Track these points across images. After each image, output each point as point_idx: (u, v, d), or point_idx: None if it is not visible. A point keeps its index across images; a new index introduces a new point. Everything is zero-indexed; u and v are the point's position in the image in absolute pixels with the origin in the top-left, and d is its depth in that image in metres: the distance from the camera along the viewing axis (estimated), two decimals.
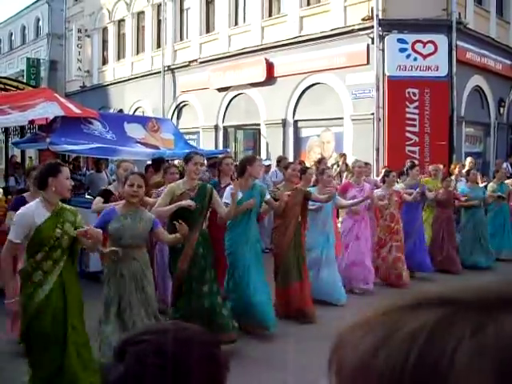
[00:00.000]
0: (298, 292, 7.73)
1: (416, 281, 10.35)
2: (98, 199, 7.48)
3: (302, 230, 8.14)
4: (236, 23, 22.66)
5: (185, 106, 25.39)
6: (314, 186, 8.97)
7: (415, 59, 17.03)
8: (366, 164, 10.97)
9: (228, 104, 22.73)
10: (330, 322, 7.63)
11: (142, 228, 5.46)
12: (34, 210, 4.71)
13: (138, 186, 5.43)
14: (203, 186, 6.52)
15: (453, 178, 13.34)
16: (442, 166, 12.82)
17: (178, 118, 25.46)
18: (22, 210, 4.79)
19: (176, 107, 25.59)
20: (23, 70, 36.20)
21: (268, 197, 7.35)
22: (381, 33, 17.05)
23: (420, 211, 11.07)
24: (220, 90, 22.72)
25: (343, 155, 16.03)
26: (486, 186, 13.18)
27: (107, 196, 7.42)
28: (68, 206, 5.07)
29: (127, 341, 1.18)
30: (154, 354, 1.12)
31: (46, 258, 4.70)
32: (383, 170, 12.17)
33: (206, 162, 13.21)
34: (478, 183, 12.92)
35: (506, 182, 13.26)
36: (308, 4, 19.73)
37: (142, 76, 27.58)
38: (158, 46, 26.75)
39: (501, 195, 12.38)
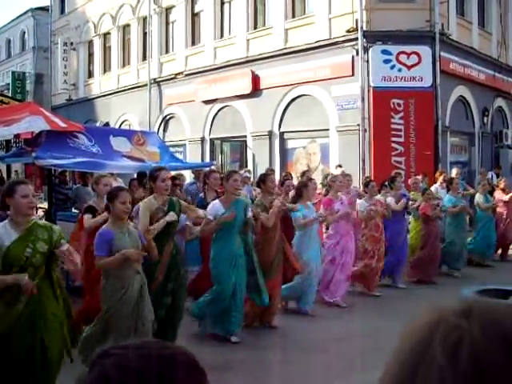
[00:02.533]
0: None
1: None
2: (88, 216, 7.38)
3: (286, 246, 8.14)
4: (221, 36, 22.75)
5: (171, 118, 25.40)
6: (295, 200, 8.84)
7: (400, 70, 17.18)
8: (346, 175, 10.95)
9: (214, 116, 22.78)
10: (311, 334, 7.67)
11: (136, 241, 5.55)
12: (2, 232, 4.62)
13: (129, 203, 5.55)
14: (171, 200, 6.54)
15: (437, 185, 13.45)
16: (420, 178, 12.97)
17: (165, 130, 25.48)
18: None
19: (162, 120, 25.60)
20: (9, 84, 36.11)
21: (249, 214, 7.26)
22: (365, 44, 17.19)
23: (405, 224, 11.09)
24: (206, 102, 22.77)
25: (340, 166, 16.06)
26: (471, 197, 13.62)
27: (93, 212, 7.36)
28: (42, 222, 4.98)
29: (101, 354, 1.17)
30: (116, 368, 1.09)
31: None
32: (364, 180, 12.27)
33: (192, 174, 13.27)
34: (461, 192, 13.14)
35: (496, 195, 13.63)
36: (293, 16, 19.86)
37: (128, 89, 27.58)
38: (144, 58, 26.79)
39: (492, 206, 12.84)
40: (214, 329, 7.29)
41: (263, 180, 8.19)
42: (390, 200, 10.52)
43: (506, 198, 13.55)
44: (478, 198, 13.13)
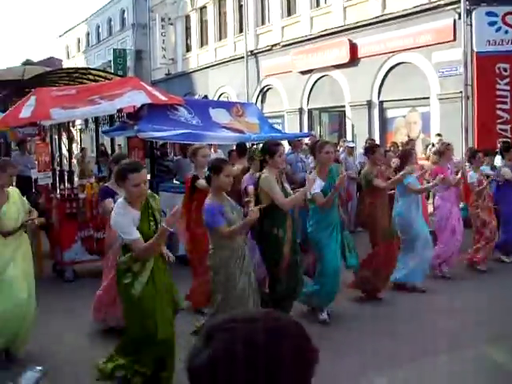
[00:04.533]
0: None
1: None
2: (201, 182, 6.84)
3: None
4: (318, 5, 22.45)
5: (269, 89, 25.44)
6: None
7: (506, 32, 16.35)
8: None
9: (312, 87, 22.62)
10: (415, 306, 7.51)
11: (239, 213, 5.46)
12: (127, 212, 4.64)
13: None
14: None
15: None
16: None
17: (263, 102, 25.58)
18: (118, 214, 4.65)
19: (260, 91, 25.69)
20: (111, 61, 37.24)
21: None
22: (468, 7, 16.46)
23: None
24: (303, 72, 22.63)
25: (439, 135, 15.57)
26: None
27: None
28: (149, 192, 4.98)
29: (215, 326, 1.16)
30: (242, 344, 1.10)
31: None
32: (468, 151, 11.68)
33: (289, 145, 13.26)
34: None
35: None
36: None
37: (225, 61, 27.84)
38: (241, 31, 26.88)
39: None
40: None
41: (372, 152, 8.00)
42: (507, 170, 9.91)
43: None
44: None
